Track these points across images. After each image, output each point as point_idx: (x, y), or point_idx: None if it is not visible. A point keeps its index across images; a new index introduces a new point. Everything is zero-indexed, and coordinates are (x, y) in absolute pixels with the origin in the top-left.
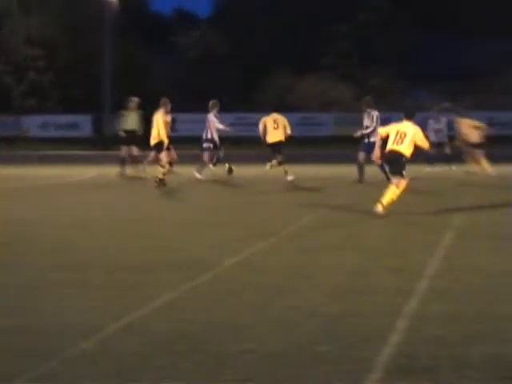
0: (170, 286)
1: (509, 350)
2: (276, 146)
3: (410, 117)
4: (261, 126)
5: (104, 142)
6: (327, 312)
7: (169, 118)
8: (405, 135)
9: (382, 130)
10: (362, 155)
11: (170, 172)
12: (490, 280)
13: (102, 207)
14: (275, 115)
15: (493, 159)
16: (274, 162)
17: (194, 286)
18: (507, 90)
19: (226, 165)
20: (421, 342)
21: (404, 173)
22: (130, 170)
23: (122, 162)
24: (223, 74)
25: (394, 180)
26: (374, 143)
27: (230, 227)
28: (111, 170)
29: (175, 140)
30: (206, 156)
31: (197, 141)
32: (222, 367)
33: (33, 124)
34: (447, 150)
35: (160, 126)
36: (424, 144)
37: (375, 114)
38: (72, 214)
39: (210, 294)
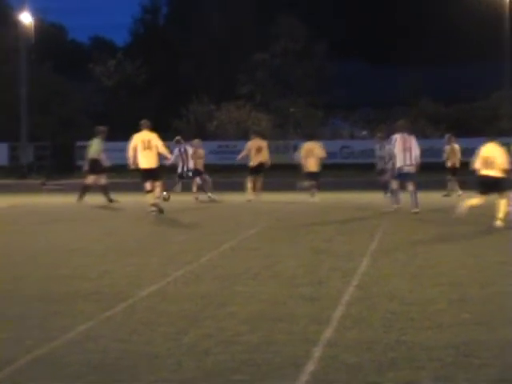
0: (86, 317)
1: (422, 377)
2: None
3: (493, 139)
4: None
5: (20, 171)
6: (243, 340)
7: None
8: (494, 158)
9: (476, 163)
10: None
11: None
12: (405, 307)
13: (17, 237)
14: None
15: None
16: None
17: (110, 315)
18: (421, 118)
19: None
20: (336, 370)
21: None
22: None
23: (103, 189)
24: (141, 103)
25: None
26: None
27: (147, 256)
28: (25, 200)
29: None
30: (197, 180)
31: (114, 169)
32: None
33: None
34: (386, 177)
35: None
36: (504, 165)
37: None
38: None
39: (125, 323)
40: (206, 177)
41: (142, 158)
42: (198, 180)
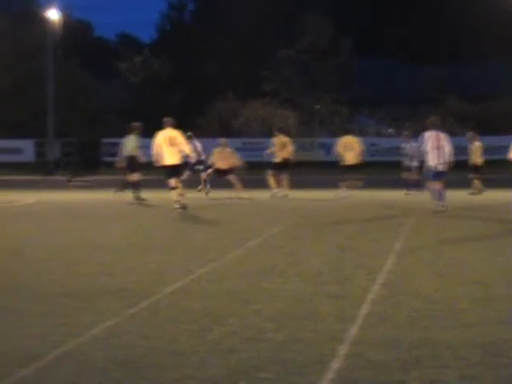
0: (111, 313)
1: (447, 376)
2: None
3: None
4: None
5: (47, 167)
6: (268, 338)
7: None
8: None
9: None
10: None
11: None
12: (430, 306)
13: (42, 233)
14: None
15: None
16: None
17: (135, 312)
18: (448, 116)
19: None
20: (361, 368)
21: None
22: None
23: (135, 186)
24: (167, 99)
25: None
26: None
27: (171, 253)
28: (51, 196)
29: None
30: (204, 175)
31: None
32: None
33: None
34: (412, 176)
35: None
36: None
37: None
38: (9, 239)
39: (150, 320)
40: (232, 177)
41: (166, 154)
42: (204, 175)
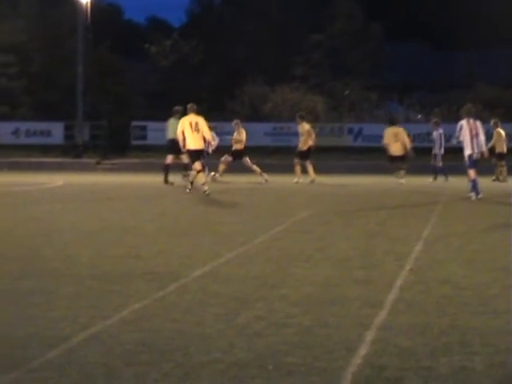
0: (139, 296)
1: (476, 363)
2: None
3: None
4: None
5: (76, 150)
6: (295, 323)
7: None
8: None
9: None
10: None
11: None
12: (458, 292)
13: (70, 215)
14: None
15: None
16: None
17: (163, 295)
18: (477, 102)
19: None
20: (388, 354)
21: None
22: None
23: (166, 169)
24: (196, 83)
25: None
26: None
27: (200, 236)
28: (80, 178)
29: (146, 148)
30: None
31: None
32: (189, 377)
33: (4, 131)
34: (439, 163)
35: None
36: None
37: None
38: (40, 222)
39: (178, 303)
40: (247, 161)
41: (190, 139)
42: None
